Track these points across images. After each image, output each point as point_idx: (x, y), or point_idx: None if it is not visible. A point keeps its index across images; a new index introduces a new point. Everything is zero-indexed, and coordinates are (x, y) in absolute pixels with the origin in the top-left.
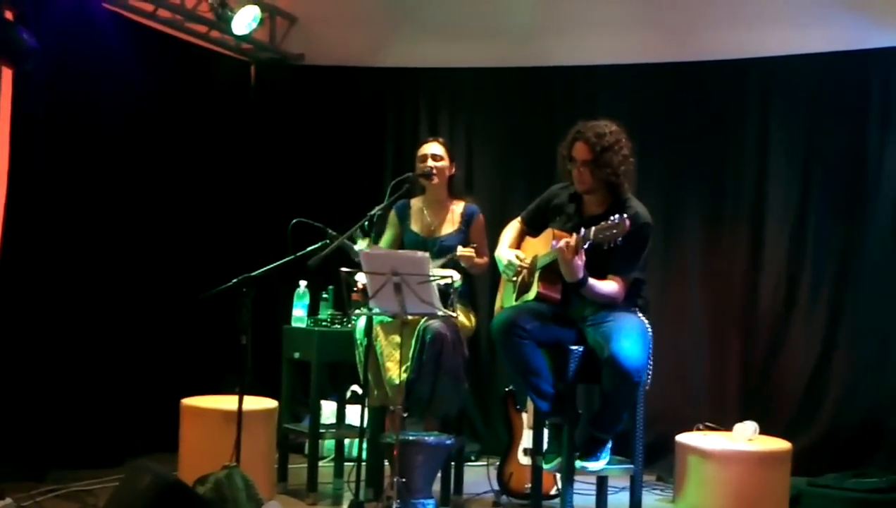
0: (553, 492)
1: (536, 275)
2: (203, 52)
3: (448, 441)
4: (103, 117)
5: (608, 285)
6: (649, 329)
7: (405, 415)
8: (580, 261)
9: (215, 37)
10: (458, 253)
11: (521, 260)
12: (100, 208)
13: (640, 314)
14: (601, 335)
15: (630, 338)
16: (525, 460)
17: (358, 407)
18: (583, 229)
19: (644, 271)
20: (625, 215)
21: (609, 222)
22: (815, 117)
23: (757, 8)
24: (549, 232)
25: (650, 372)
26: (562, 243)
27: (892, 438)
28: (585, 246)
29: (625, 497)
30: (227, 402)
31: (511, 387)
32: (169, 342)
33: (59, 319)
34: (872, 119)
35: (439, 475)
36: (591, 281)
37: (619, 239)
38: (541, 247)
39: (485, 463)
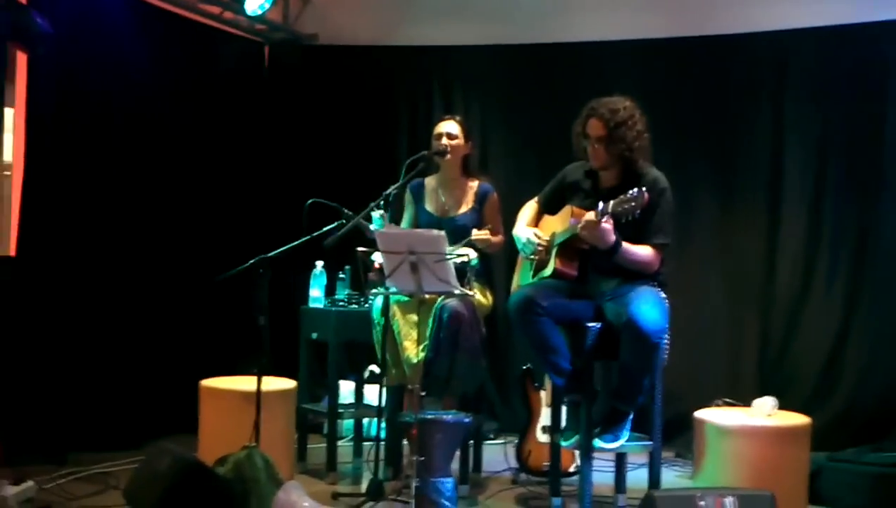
0: (572, 469)
1: (554, 251)
2: (216, 33)
3: (466, 420)
4: (117, 100)
5: (643, 249)
6: (667, 302)
7: (423, 394)
8: (607, 226)
9: (228, 18)
10: (473, 236)
11: (539, 238)
12: (115, 190)
13: (659, 289)
14: (620, 305)
15: (648, 303)
16: (543, 438)
17: (376, 387)
18: (601, 204)
19: (670, 236)
20: (643, 189)
21: (628, 195)
22: (830, 92)
23: None
24: (567, 209)
25: (667, 348)
26: (581, 221)
27: None
28: (604, 219)
29: (644, 473)
30: (246, 383)
31: (528, 365)
32: (187, 323)
33: (77, 303)
34: (890, 93)
35: (458, 453)
36: (626, 245)
37: (637, 212)
38: (558, 225)
39: (503, 441)
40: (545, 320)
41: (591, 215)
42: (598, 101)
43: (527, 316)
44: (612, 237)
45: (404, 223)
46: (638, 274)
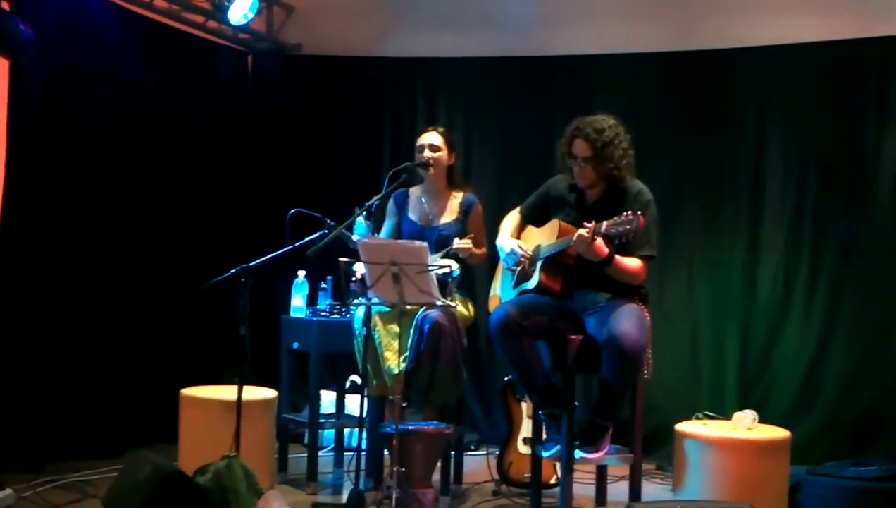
0: (553, 481)
1: (539, 265)
2: (200, 42)
3: (447, 431)
4: (100, 108)
5: (632, 261)
6: (648, 317)
7: (404, 405)
8: (599, 241)
9: (212, 27)
10: (456, 245)
11: (522, 249)
12: (97, 199)
13: (641, 304)
14: (602, 322)
15: (629, 321)
16: (524, 449)
17: (357, 397)
18: (593, 222)
19: (655, 248)
20: (639, 213)
21: (622, 218)
22: (813, 107)
23: None
24: (554, 223)
25: (650, 362)
26: (576, 236)
27: (890, 427)
28: (596, 240)
29: (624, 486)
30: (227, 392)
31: (510, 377)
32: (168, 332)
33: (57, 310)
34: (871, 108)
35: (439, 464)
36: (618, 257)
37: (631, 236)
38: (542, 237)
39: (484, 453)
40: (525, 339)
41: (584, 232)
42: (583, 120)
43: (506, 335)
44: (606, 250)
45: (384, 233)
46: (621, 289)
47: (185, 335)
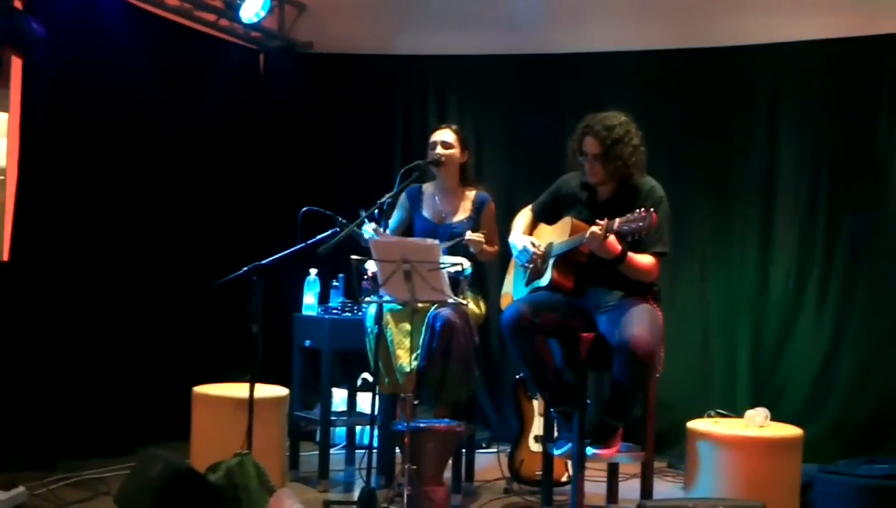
0: (564, 479)
1: (551, 262)
2: (212, 40)
3: (459, 428)
4: (111, 106)
5: (645, 258)
6: (661, 316)
7: (416, 402)
8: (611, 238)
9: (224, 25)
10: (468, 237)
11: (535, 247)
12: (109, 196)
13: (653, 303)
14: (613, 322)
15: (642, 324)
16: (536, 447)
17: (369, 395)
18: (606, 219)
19: (668, 245)
20: (652, 210)
21: (636, 214)
22: (824, 104)
23: None
24: (566, 221)
25: (661, 360)
26: (588, 233)
27: None
28: (609, 238)
29: (636, 484)
30: (239, 390)
31: (521, 374)
32: (180, 330)
33: (69, 308)
34: (883, 105)
35: (450, 462)
36: (631, 254)
37: (644, 233)
38: (554, 235)
39: (496, 450)
40: (537, 336)
41: (596, 229)
42: (594, 117)
43: (518, 332)
44: (619, 248)
45: (392, 223)
46: (634, 287)
47: (196, 332)
